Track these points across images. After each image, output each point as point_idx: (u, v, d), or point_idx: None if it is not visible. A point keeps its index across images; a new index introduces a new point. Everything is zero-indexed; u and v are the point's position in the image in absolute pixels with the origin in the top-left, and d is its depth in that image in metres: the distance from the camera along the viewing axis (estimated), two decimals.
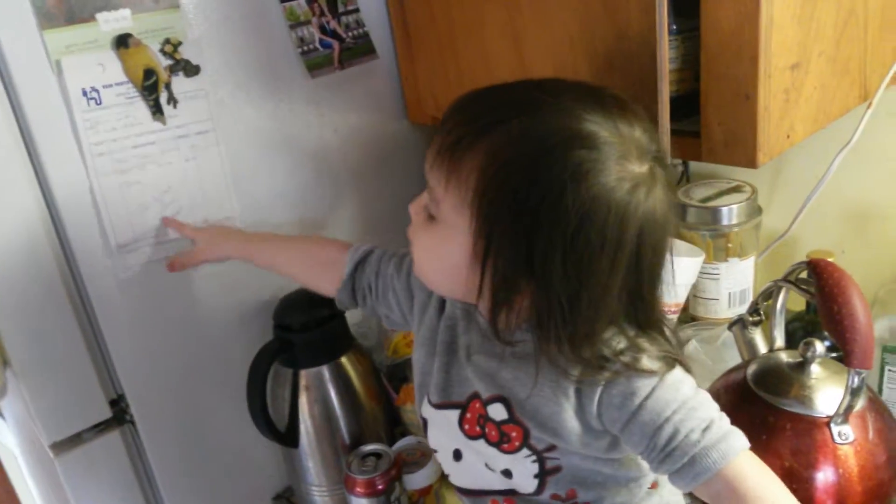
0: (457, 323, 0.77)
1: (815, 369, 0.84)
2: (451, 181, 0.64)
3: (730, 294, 1.09)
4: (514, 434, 0.72)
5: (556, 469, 0.71)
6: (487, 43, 1.02)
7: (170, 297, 1.05)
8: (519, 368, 0.70)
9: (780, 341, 0.92)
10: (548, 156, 0.60)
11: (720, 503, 0.64)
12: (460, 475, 0.80)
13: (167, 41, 0.99)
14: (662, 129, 0.78)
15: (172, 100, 1.01)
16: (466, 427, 0.75)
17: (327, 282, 0.91)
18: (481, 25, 1.02)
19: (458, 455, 0.78)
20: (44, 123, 0.93)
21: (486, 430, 0.73)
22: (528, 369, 0.68)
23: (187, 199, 1.04)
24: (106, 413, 1.05)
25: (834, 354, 0.87)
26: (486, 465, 0.75)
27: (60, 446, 1.02)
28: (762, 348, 0.92)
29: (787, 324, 0.93)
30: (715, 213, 1.05)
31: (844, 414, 0.79)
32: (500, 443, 0.73)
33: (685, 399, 0.65)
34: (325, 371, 1.08)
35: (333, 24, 1.13)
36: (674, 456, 0.64)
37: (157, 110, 1.00)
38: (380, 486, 1.00)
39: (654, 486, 0.77)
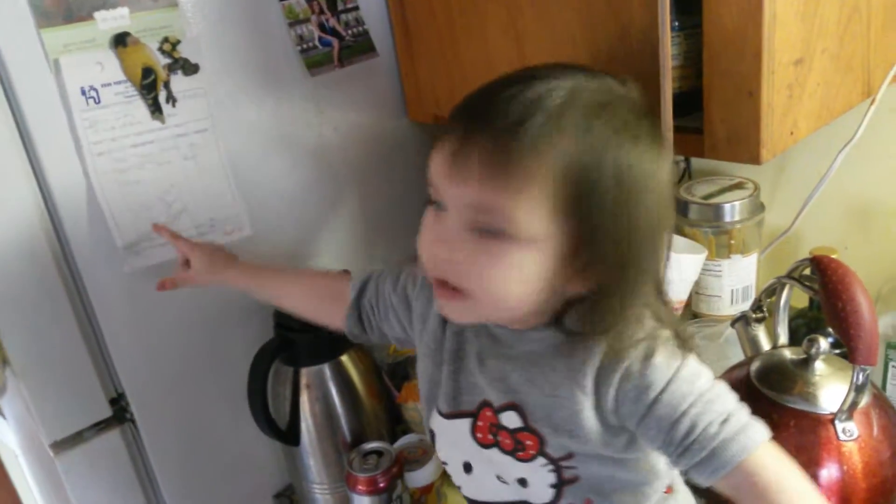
0: (464, 329, 0.74)
1: (819, 366, 0.84)
2: (521, 191, 0.58)
3: (732, 291, 1.09)
4: (528, 442, 0.70)
5: (574, 479, 0.70)
6: (488, 40, 1.02)
7: (170, 295, 1.05)
8: (532, 371, 0.69)
9: (783, 338, 0.92)
10: (610, 133, 0.60)
11: (740, 496, 0.63)
12: (472, 488, 0.78)
13: (165, 40, 0.99)
14: (666, 125, 0.77)
15: (171, 98, 1.00)
16: (479, 436, 0.73)
17: (334, 314, 0.88)
18: (482, 22, 1.01)
19: (468, 468, 0.76)
20: (42, 123, 0.93)
21: (500, 438, 0.72)
22: (541, 370, 0.67)
23: (191, 199, 1.04)
24: (106, 412, 1.05)
25: (837, 351, 0.87)
26: (498, 476, 0.74)
27: (61, 445, 1.02)
28: (765, 345, 0.92)
29: (790, 321, 0.93)
30: (717, 209, 1.05)
31: (849, 410, 0.79)
32: (515, 451, 0.71)
33: (702, 392, 0.64)
34: (326, 369, 1.07)
35: (333, 22, 1.13)
36: (692, 450, 0.63)
37: (155, 109, 0.99)
38: (381, 484, 1.00)
39: (669, 490, 0.75)
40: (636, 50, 0.83)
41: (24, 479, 1.09)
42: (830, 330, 0.79)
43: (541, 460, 0.70)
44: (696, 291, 1.12)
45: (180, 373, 1.09)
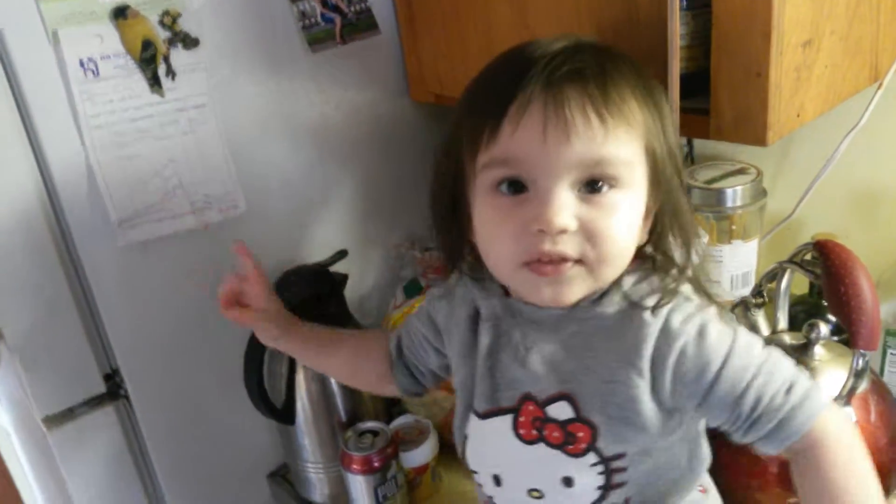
0: (501, 321, 0.72)
1: (819, 351, 0.84)
2: (622, 132, 0.60)
3: (732, 276, 1.08)
4: (580, 434, 0.67)
5: (621, 484, 0.67)
6: (493, 19, 1.00)
7: (166, 271, 1.04)
8: (585, 356, 0.67)
9: (783, 323, 0.91)
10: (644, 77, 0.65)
11: (805, 461, 0.64)
12: (503, 499, 0.75)
13: (166, 13, 0.98)
14: (673, 105, 0.77)
15: (171, 72, 0.99)
16: (522, 432, 0.70)
17: (381, 373, 0.87)
18: (487, 0, 1.00)
19: (497, 480, 0.73)
20: (40, 94, 0.92)
21: (545, 432, 0.68)
22: (595, 354, 0.66)
23: (188, 174, 1.03)
24: (100, 387, 1.04)
25: (836, 337, 0.86)
26: (531, 491, 0.71)
27: (53, 420, 1.02)
28: (765, 331, 0.92)
29: (790, 307, 0.93)
30: (720, 194, 1.04)
31: (847, 396, 0.78)
32: (565, 444, 0.68)
33: (761, 362, 0.64)
34: None
35: None
36: (760, 422, 0.63)
37: (155, 83, 0.98)
38: (376, 464, 1.00)
39: (703, 490, 0.75)
40: (644, 30, 0.82)
41: (16, 458, 1.09)
42: (832, 315, 0.79)
43: (591, 457, 0.67)
44: None
45: (175, 349, 1.08)
